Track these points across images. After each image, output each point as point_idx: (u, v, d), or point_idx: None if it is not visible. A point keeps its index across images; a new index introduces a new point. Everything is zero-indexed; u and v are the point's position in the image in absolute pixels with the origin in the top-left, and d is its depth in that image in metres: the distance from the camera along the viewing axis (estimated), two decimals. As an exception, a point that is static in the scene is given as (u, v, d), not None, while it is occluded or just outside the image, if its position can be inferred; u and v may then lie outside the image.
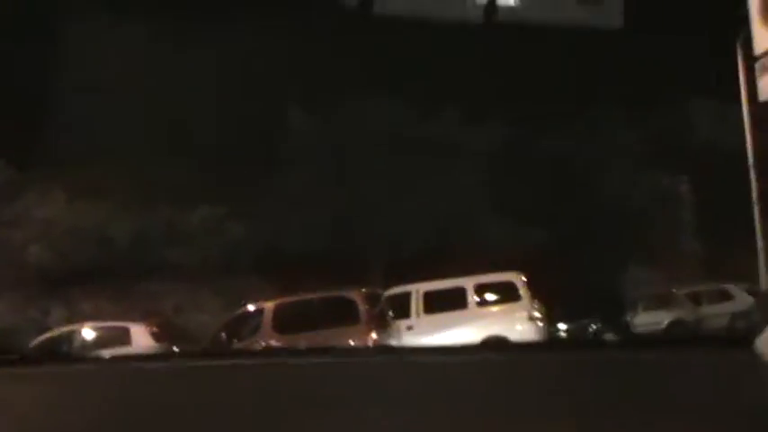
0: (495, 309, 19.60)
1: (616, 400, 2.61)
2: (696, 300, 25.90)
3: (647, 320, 24.43)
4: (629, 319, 23.51)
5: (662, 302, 25.41)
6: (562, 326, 23.23)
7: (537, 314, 19.28)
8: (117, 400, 2.63)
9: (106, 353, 18.05)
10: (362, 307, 17.21)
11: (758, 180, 22.11)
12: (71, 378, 2.72)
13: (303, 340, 17.23)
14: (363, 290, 17.86)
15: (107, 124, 25.53)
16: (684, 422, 2.59)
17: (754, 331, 2.60)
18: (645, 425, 2.59)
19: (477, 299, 19.65)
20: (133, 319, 20.01)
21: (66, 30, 25.30)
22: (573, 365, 2.69)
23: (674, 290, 26.23)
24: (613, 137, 32.06)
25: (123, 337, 18.61)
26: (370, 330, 16.91)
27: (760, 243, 21.96)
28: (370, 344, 16.66)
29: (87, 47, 25.07)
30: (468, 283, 19.81)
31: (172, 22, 24.49)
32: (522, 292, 19.35)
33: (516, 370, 2.68)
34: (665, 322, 24.70)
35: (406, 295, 19.79)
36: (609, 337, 22.76)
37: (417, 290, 19.86)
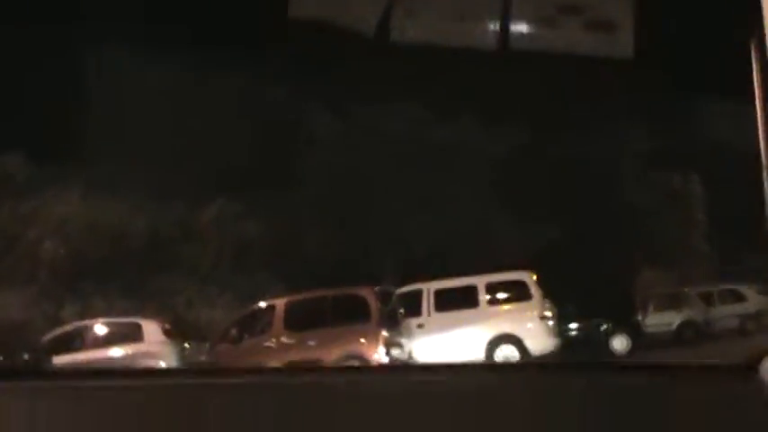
0: (506, 307, 19.60)
1: None
2: (708, 300, 25.74)
3: (658, 321, 24.34)
4: (639, 318, 23.40)
5: (673, 302, 25.25)
6: (573, 325, 23.15)
7: (548, 313, 19.28)
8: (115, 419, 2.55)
9: (118, 349, 18.26)
10: (374, 305, 17.23)
11: (771, 180, 22.03)
12: (68, 395, 2.64)
13: (314, 337, 17.36)
14: (375, 288, 17.87)
15: (125, 122, 25.58)
16: None
17: (758, 357, 2.41)
18: None
19: (489, 297, 19.65)
20: (145, 316, 20.13)
21: (90, 36, 25.28)
22: (555, 391, 2.49)
23: (685, 289, 26.10)
24: (624, 137, 31.90)
25: (135, 333, 18.72)
26: (380, 328, 16.94)
27: (773, 243, 21.90)
28: (381, 341, 16.72)
29: (110, 49, 25.05)
30: (480, 281, 19.80)
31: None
32: (534, 291, 19.34)
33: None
34: (676, 323, 24.63)
35: (418, 293, 19.81)
36: (620, 337, 22.65)
37: (428, 288, 19.86)
